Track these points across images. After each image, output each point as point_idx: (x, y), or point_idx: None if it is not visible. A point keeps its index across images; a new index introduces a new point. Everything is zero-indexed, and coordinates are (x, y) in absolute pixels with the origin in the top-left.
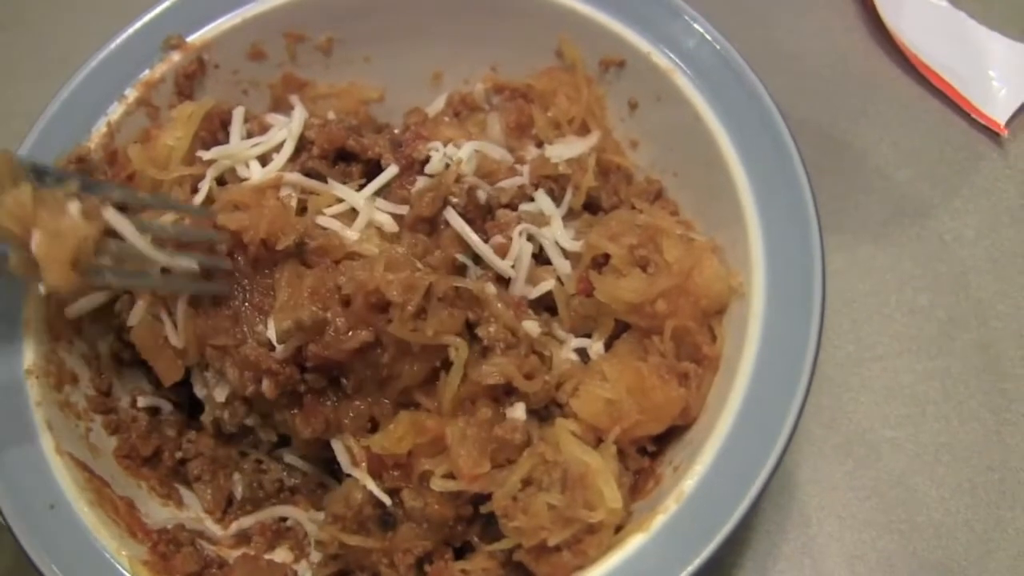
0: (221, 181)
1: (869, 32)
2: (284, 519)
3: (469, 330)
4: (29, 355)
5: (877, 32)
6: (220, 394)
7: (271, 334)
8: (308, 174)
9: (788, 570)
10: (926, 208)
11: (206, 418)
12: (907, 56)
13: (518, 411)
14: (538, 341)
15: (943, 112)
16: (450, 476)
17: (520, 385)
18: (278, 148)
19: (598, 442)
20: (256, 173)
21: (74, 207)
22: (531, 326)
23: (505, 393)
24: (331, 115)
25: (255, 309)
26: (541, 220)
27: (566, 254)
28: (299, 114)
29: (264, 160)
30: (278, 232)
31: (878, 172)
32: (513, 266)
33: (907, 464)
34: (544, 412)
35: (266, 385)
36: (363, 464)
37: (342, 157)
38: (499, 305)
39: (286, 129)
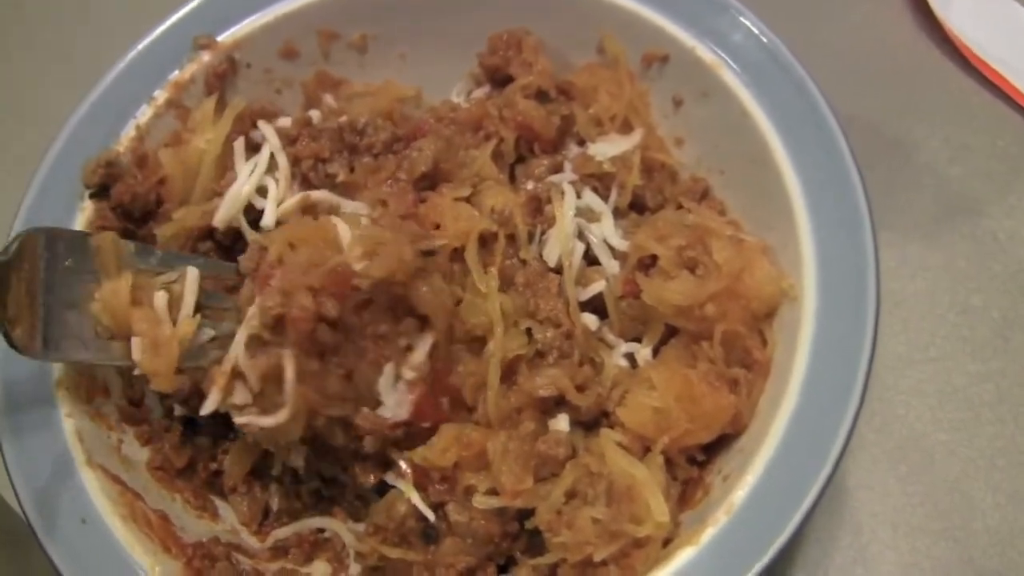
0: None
1: (917, 23)
2: (321, 530)
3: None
4: (59, 366)
5: (926, 23)
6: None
7: (382, 388)
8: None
9: None
10: (979, 205)
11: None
12: (958, 48)
13: (561, 423)
14: (590, 346)
15: (996, 105)
16: (493, 492)
17: (573, 399)
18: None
19: (645, 451)
20: (271, 203)
21: (161, 300)
22: (589, 319)
23: (555, 403)
24: (314, 114)
25: (371, 365)
26: (591, 217)
27: (615, 254)
28: (269, 144)
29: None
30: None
31: (929, 168)
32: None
33: (962, 469)
34: (591, 421)
35: (368, 442)
36: (408, 476)
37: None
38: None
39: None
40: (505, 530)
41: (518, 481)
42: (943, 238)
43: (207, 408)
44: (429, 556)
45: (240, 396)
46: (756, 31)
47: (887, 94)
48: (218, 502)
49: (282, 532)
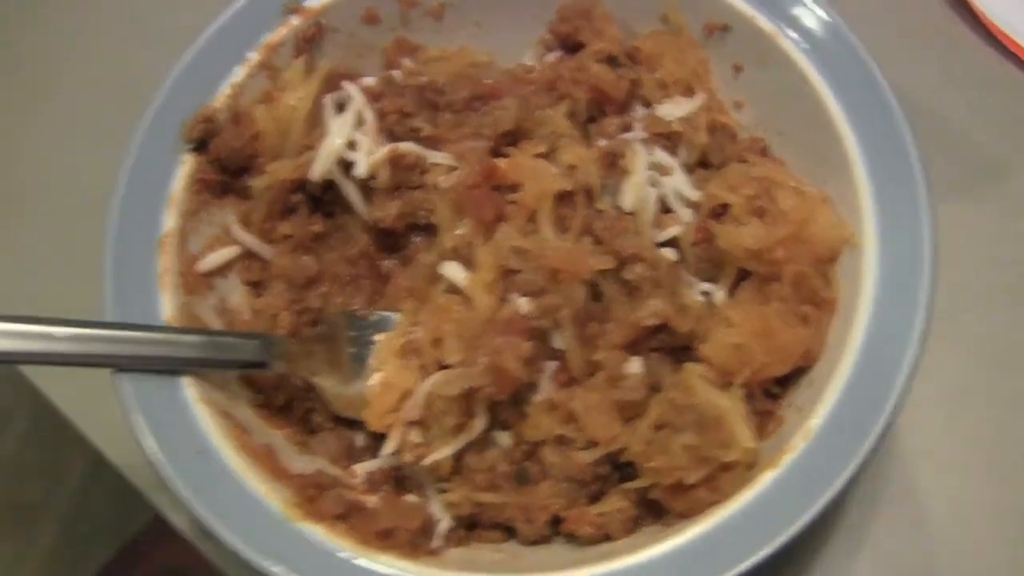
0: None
1: None
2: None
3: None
4: (167, 308)
5: None
6: None
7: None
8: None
9: (891, 515)
10: (1006, 168)
11: None
12: (982, 22)
13: (634, 366)
14: (675, 277)
15: (1018, 75)
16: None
17: (676, 324)
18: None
19: (726, 386)
20: (362, 155)
21: None
22: (669, 253)
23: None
24: (396, 74)
25: None
26: (662, 171)
27: (687, 204)
28: (355, 100)
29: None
30: None
31: (958, 134)
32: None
33: (1004, 410)
34: (680, 355)
35: None
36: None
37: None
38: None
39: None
40: (597, 471)
41: (608, 429)
42: (974, 198)
43: (387, 449)
44: (524, 498)
45: (416, 437)
46: (810, 1)
47: (914, 66)
48: (315, 440)
49: (366, 466)
